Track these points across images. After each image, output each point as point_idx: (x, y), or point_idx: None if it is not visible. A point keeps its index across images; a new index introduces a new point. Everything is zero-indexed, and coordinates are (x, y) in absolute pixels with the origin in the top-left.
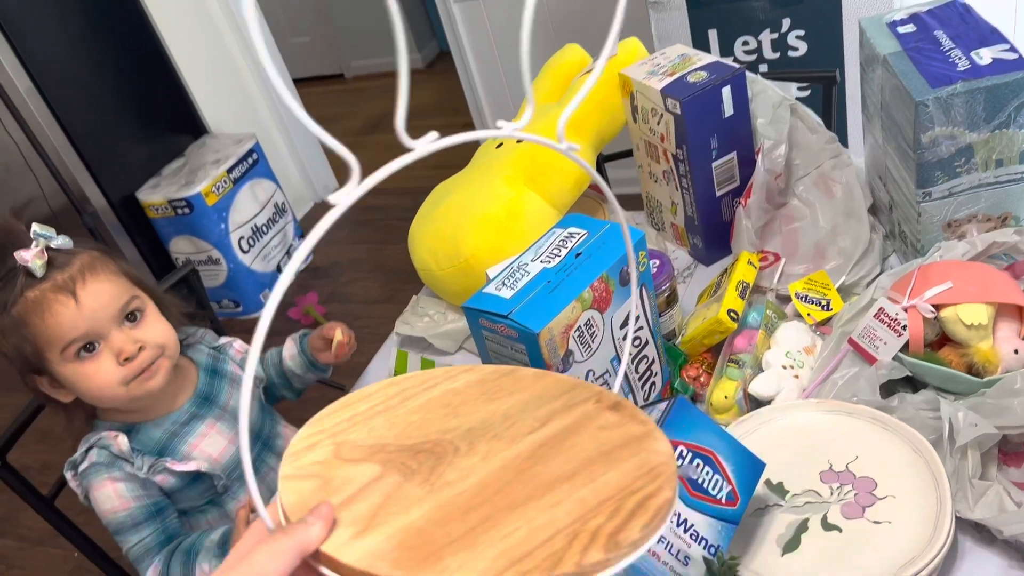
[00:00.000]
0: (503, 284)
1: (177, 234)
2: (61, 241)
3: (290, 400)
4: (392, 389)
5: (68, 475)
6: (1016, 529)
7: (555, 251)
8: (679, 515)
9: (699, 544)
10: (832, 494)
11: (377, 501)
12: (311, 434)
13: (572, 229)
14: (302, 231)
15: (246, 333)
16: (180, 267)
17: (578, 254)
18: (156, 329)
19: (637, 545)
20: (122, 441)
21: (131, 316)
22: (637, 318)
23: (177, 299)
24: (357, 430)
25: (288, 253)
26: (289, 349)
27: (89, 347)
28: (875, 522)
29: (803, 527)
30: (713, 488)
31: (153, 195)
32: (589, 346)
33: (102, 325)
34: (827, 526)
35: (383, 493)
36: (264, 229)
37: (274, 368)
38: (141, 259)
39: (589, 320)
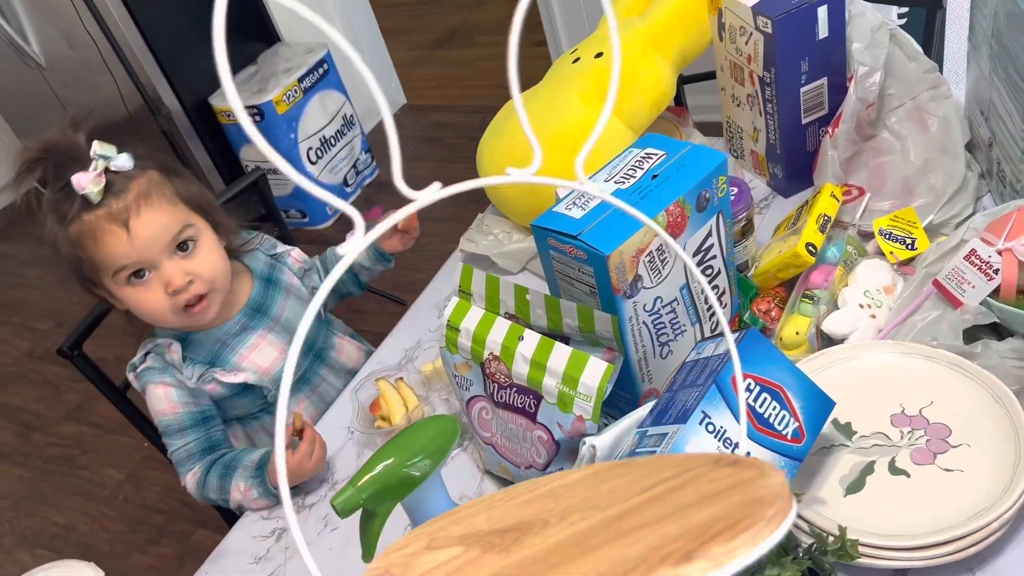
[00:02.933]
0: (574, 204)
1: (247, 141)
2: (121, 161)
3: (356, 295)
4: (499, 494)
5: (130, 376)
6: None
7: (630, 171)
8: (742, 448)
9: None
10: (902, 438)
11: (449, 570)
12: (410, 537)
13: (650, 149)
14: (369, 145)
15: (312, 244)
16: (248, 173)
17: (654, 176)
18: (208, 261)
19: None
20: (175, 350)
21: (183, 246)
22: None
23: (233, 219)
24: (455, 527)
25: (355, 167)
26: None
27: (139, 273)
28: (946, 470)
29: (869, 469)
30: (779, 424)
31: (225, 101)
32: (659, 272)
33: (153, 255)
34: (895, 470)
35: (459, 564)
36: (332, 141)
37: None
38: (212, 165)
39: (661, 245)
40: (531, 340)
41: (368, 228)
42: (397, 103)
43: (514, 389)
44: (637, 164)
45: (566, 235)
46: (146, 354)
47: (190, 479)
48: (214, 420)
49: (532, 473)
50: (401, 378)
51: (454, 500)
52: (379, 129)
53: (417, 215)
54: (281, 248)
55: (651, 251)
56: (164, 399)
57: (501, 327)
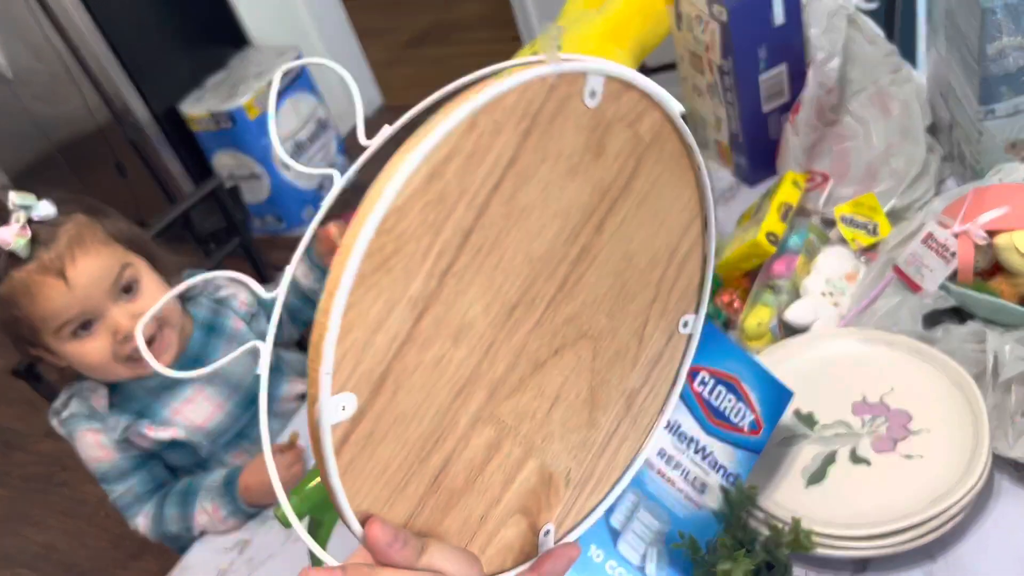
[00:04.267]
0: None
1: (220, 148)
2: (43, 210)
3: None
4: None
5: (53, 422)
6: None
7: None
8: (697, 442)
9: (717, 472)
10: (863, 426)
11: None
12: None
13: None
14: (345, 147)
15: (288, 250)
16: (206, 183)
17: None
18: (156, 300)
19: None
20: (101, 396)
21: (127, 288)
22: None
23: (171, 254)
24: None
25: (332, 166)
26: (300, 268)
27: (86, 326)
28: (906, 456)
29: (830, 459)
30: (735, 416)
31: (196, 108)
32: None
33: (96, 303)
34: (856, 459)
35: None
36: (307, 144)
37: (294, 294)
38: (185, 173)
39: None
40: None
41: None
42: (374, 104)
43: None
44: None
45: None
46: (69, 398)
47: (142, 521)
48: (154, 460)
49: None
50: None
51: None
52: (355, 132)
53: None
54: (226, 292)
55: None
56: (96, 446)
57: None
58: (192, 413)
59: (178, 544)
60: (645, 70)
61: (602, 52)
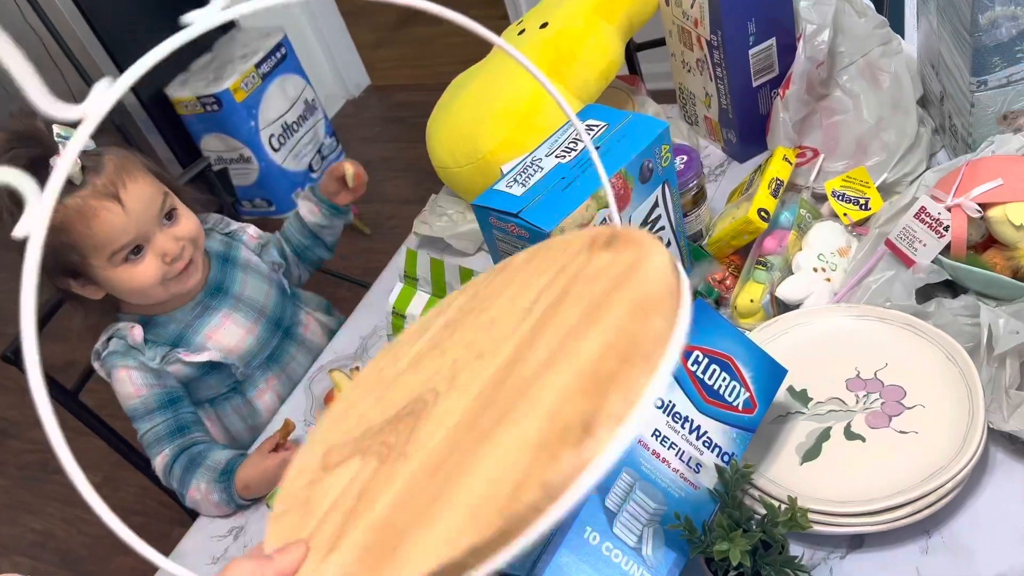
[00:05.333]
0: (515, 180)
1: (208, 132)
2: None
3: (328, 258)
4: (384, 359)
5: (95, 364)
6: None
7: (571, 145)
8: (692, 421)
9: (712, 451)
10: (858, 402)
11: (349, 504)
12: (305, 451)
13: (590, 121)
14: (334, 130)
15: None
16: (195, 163)
17: (596, 148)
18: (191, 224)
19: (614, 430)
20: (137, 333)
21: (168, 215)
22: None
23: (190, 187)
24: (346, 421)
25: (320, 152)
26: (306, 206)
27: (136, 250)
28: (901, 432)
29: (825, 436)
30: (729, 395)
31: (182, 91)
32: None
33: (148, 227)
34: (850, 435)
35: (357, 491)
36: (295, 127)
37: (300, 232)
38: (174, 158)
39: (606, 220)
40: None
41: (345, 220)
42: (361, 85)
43: None
44: (578, 137)
45: (507, 213)
46: (108, 339)
47: (159, 461)
48: (182, 402)
49: None
50: (357, 367)
51: None
52: (343, 113)
53: (378, 224)
54: (235, 226)
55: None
56: (129, 383)
57: None
58: (224, 338)
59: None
60: (634, 47)
61: (590, 28)
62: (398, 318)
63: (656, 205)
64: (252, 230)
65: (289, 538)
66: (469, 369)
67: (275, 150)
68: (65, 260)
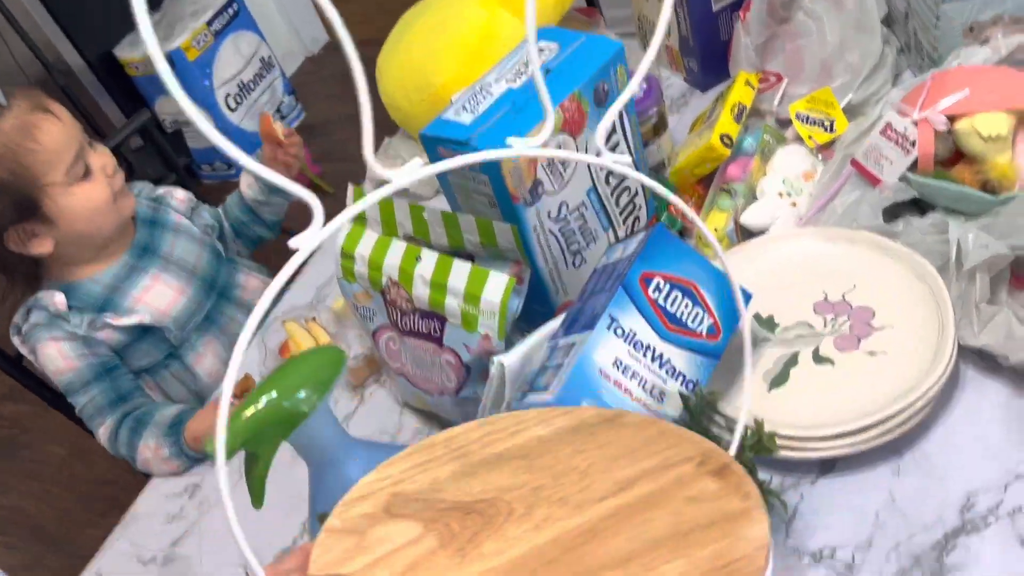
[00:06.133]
0: (463, 108)
1: (161, 94)
2: None
3: (269, 238)
4: (477, 432)
5: (15, 340)
6: (1023, 354)
7: (522, 69)
8: (654, 350)
9: (676, 379)
10: (826, 326)
11: (399, 570)
12: (373, 481)
13: (541, 43)
14: (292, 88)
15: None
16: (133, 118)
17: (547, 71)
18: (108, 156)
19: None
20: (59, 300)
21: (89, 143)
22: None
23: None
24: (421, 479)
25: (279, 111)
26: (245, 178)
27: (86, 173)
28: (870, 353)
29: (792, 361)
30: (692, 321)
31: (132, 51)
32: (561, 176)
33: (82, 144)
34: (819, 359)
35: (410, 560)
36: (251, 86)
37: (237, 207)
38: (126, 121)
39: (559, 145)
40: (429, 260)
41: (288, 199)
42: (319, 41)
43: (417, 314)
44: (528, 60)
45: (455, 142)
46: (28, 311)
47: (103, 432)
48: (119, 369)
49: (445, 400)
50: (314, 318)
51: (372, 438)
52: (303, 71)
53: (345, 184)
54: (161, 190)
55: None
56: (58, 356)
57: (397, 250)
58: (154, 300)
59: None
60: None
61: None
62: (347, 259)
63: (614, 131)
64: (180, 193)
65: (335, 565)
66: (549, 509)
67: (231, 110)
68: (21, 195)
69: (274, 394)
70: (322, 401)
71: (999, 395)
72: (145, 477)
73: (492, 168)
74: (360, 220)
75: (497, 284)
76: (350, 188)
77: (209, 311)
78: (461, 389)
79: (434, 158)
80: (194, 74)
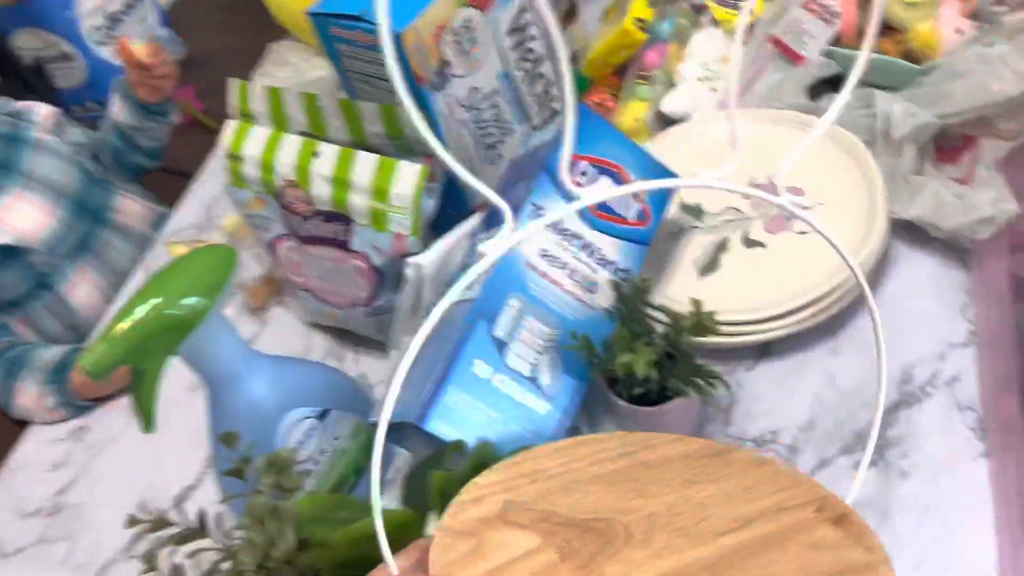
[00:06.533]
0: None
1: (18, 27)
2: None
3: (150, 167)
4: (582, 449)
5: None
6: (955, 221)
7: None
8: (582, 238)
9: (606, 268)
10: (754, 209)
11: None
12: (486, 483)
13: None
14: (169, 19)
15: None
16: None
17: None
18: None
19: None
20: None
21: None
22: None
23: None
24: (533, 488)
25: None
26: (115, 103)
27: None
28: (801, 233)
29: (722, 247)
30: (620, 207)
31: None
32: (469, 55)
33: None
34: (749, 243)
35: (532, 572)
36: (120, 16)
37: (112, 133)
38: None
39: (467, 21)
40: (329, 154)
41: (164, 122)
42: None
43: (319, 217)
44: None
45: (348, 17)
46: None
47: None
48: None
49: (357, 313)
50: (201, 241)
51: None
52: (180, 1)
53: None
54: (20, 104)
55: (455, 28)
56: None
57: (291, 146)
58: (17, 220)
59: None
60: None
61: None
62: (235, 161)
63: (524, 10)
64: (43, 108)
65: (457, 567)
66: (668, 538)
67: (101, 44)
68: None
69: (157, 300)
70: (213, 307)
71: (930, 267)
72: (21, 424)
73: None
74: (247, 116)
75: (408, 174)
76: (233, 84)
77: (83, 235)
78: (374, 299)
79: (326, 40)
80: (54, 4)
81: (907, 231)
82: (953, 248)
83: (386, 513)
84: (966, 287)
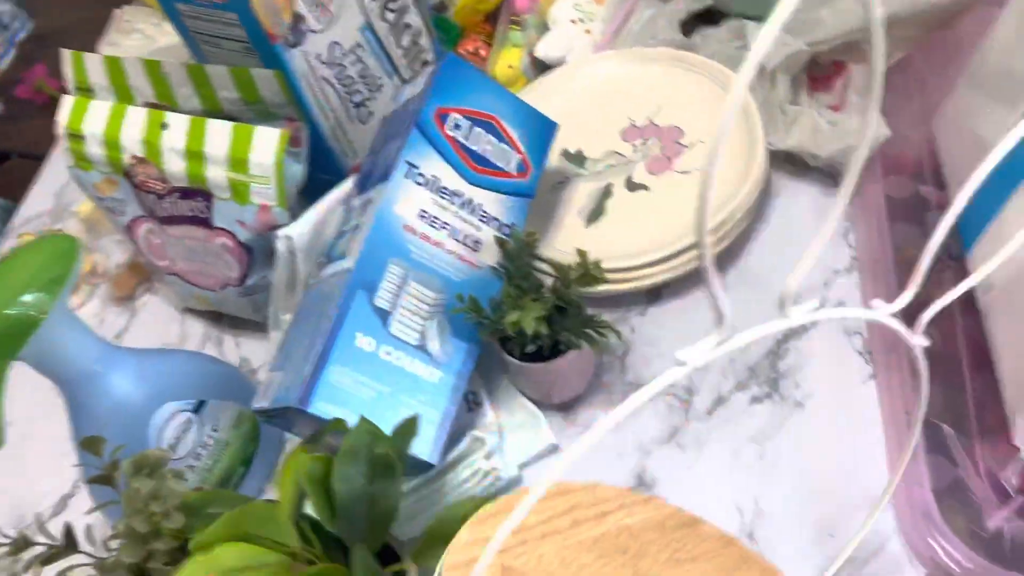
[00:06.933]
0: None
1: None
2: None
3: None
4: (561, 503)
5: None
6: (832, 148)
7: None
8: (462, 195)
9: (490, 225)
10: (636, 152)
11: None
12: (473, 542)
13: None
14: None
15: None
16: None
17: None
18: None
19: None
20: None
21: None
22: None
23: None
24: (526, 555)
25: (0, 21)
26: None
27: None
28: (684, 172)
29: (607, 193)
30: (499, 160)
31: None
32: (324, 7)
33: None
34: (632, 186)
35: None
36: None
37: None
38: None
39: None
40: (178, 125)
41: (36, 88)
42: None
43: (176, 195)
44: None
45: None
46: None
47: None
48: None
49: (230, 294)
50: (60, 230)
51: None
52: None
53: None
54: None
55: None
56: None
57: (137, 119)
58: None
59: None
60: None
61: None
62: (75, 140)
63: None
64: None
65: None
66: None
67: None
68: None
69: None
70: (56, 302)
71: (809, 197)
72: None
73: (240, 2)
74: (85, 90)
75: (267, 141)
76: (65, 56)
77: None
78: (246, 278)
79: (166, 2)
80: None
81: (787, 162)
82: (832, 176)
83: (249, 505)
84: (847, 213)
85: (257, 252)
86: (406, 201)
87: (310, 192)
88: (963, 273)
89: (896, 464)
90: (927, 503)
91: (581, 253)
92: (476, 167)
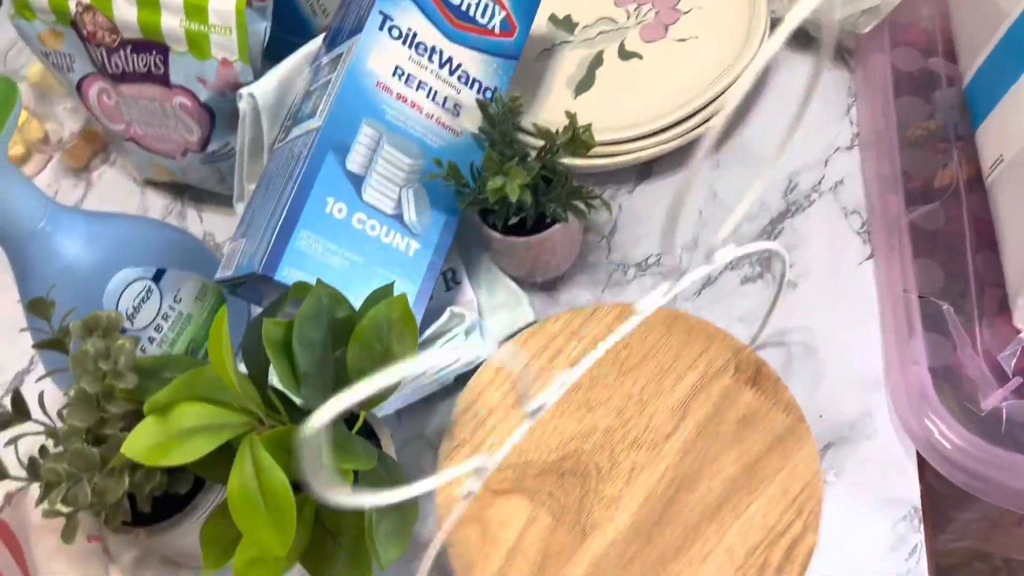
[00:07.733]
0: None
1: None
2: None
3: None
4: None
5: None
6: (839, 15)
7: None
8: (441, 53)
9: (471, 87)
10: (629, 17)
11: (537, 558)
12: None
13: None
14: None
15: None
16: None
17: None
18: None
19: None
20: None
21: None
22: None
23: None
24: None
25: None
26: None
27: None
28: (680, 40)
29: (597, 61)
30: (482, 15)
31: None
32: None
33: None
34: (625, 54)
35: (540, 546)
36: None
37: None
38: None
39: None
40: None
41: None
42: None
43: (128, 48)
44: None
45: None
46: None
47: None
48: None
49: (192, 161)
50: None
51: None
52: None
53: None
54: None
55: None
56: None
57: None
58: None
59: None
60: None
61: None
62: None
63: None
64: None
65: (479, 566)
66: (628, 457)
67: None
68: None
69: None
70: None
71: (811, 70)
72: None
73: None
74: None
75: None
76: None
77: None
78: (207, 142)
79: None
80: None
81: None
82: (836, 49)
83: (207, 367)
84: (850, 89)
85: (219, 115)
86: (380, 56)
87: (276, 57)
88: (972, 151)
89: (889, 344)
90: (923, 382)
91: (571, 116)
92: (456, 21)
